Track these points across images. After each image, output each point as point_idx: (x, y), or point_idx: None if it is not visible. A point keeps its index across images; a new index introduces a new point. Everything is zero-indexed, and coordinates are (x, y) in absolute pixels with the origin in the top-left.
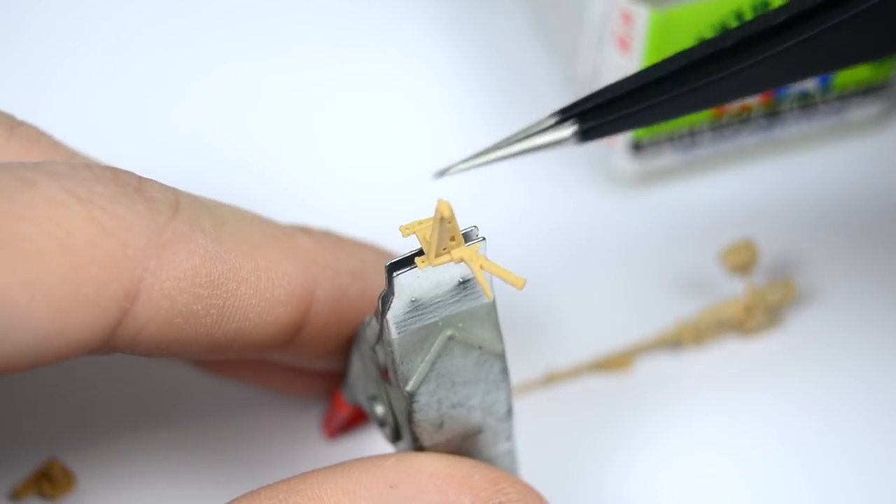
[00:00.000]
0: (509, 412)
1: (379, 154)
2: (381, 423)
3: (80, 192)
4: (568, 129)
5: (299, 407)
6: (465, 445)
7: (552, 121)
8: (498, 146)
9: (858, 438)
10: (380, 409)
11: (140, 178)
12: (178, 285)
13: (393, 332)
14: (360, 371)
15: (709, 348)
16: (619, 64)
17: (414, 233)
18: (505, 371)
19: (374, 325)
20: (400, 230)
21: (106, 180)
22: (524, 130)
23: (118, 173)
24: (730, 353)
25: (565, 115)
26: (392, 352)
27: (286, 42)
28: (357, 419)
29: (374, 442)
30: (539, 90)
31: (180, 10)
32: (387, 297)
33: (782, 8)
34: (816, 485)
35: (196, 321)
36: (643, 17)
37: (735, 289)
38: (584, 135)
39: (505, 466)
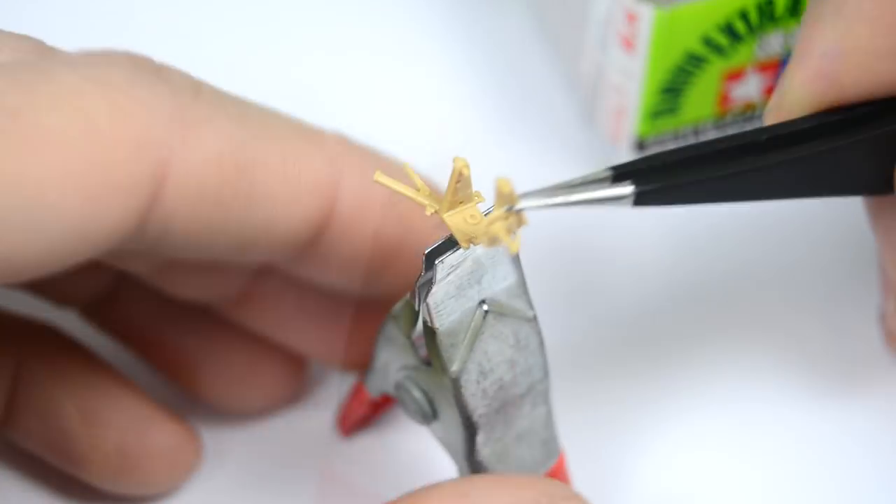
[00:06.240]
0: (545, 376)
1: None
2: (416, 408)
3: (99, 78)
4: (626, 189)
5: (313, 404)
6: (507, 412)
7: (607, 174)
8: (553, 192)
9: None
10: (416, 393)
11: (159, 63)
12: (205, 169)
13: (436, 320)
14: (387, 361)
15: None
16: (624, 64)
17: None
18: (539, 335)
19: (406, 313)
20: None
21: (123, 65)
22: (580, 179)
23: (135, 58)
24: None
25: (617, 171)
26: (437, 339)
27: (287, 43)
28: (373, 415)
29: (392, 436)
30: (542, 90)
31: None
32: (426, 285)
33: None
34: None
35: (224, 209)
36: (648, 16)
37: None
38: (640, 197)
39: (543, 427)
